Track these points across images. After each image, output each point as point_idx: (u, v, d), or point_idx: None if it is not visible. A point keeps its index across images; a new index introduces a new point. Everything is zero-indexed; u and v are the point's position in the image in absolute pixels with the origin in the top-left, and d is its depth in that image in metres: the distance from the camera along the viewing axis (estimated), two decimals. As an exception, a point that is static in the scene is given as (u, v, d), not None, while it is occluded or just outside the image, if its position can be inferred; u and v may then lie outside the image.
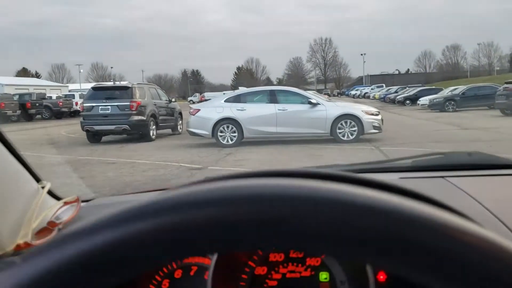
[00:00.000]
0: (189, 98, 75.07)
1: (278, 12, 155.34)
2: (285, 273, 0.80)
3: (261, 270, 0.80)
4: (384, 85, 61.85)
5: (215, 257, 0.72)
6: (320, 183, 0.34)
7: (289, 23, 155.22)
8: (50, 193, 0.91)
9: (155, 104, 13.98)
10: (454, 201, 0.84)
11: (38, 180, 0.88)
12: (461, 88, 26.13)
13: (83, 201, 0.99)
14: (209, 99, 17.21)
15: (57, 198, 0.93)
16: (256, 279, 0.79)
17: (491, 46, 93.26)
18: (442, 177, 1.10)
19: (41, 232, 0.79)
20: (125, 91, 13.18)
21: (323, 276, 0.79)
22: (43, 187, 0.87)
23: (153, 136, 13.35)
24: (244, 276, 0.79)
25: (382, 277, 0.75)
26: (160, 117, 14.11)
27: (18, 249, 0.74)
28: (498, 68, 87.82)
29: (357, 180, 0.43)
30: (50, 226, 0.81)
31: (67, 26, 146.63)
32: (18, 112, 27.39)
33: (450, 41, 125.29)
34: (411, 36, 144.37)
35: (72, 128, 18.44)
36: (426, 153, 1.29)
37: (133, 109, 12.83)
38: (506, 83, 20.06)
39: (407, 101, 33.75)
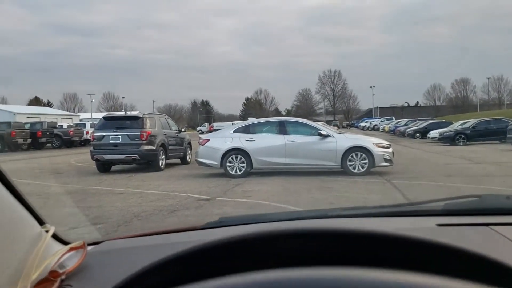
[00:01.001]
0: (198, 128, 75.64)
1: (286, 44, 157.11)
2: None
3: None
4: (393, 117, 61.88)
5: None
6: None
7: (297, 55, 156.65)
8: (54, 236, 0.84)
9: (165, 134, 14.03)
10: (506, 256, 0.76)
11: (41, 223, 0.81)
12: (471, 122, 26.04)
13: (89, 244, 0.91)
14: (218, 129, 17.23)
15: (62, 242, 0.86)
16: None
17: (501, 80, 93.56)
18: (486, 224, 1.01)
19: (43, 283, 0.71)
20: (136, 121, 13.26)
21: None
22: (46, 231, 0.80)
23: (162, 166, 13.34)
24: None
25: None
26: (170, 147, 14.13)
27: None
28: (508, 102, 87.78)
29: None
30: (52, 276, 0.74)
31: (80, 56, 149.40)
32: (29, 140, 27.68)
33: (459, 75, 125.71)
34: (420, 69, 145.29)
35: (81, 157, 18.52)
36: (460, 196, 1.21)
37: (143, 138, 12.87)
38: (518, 117, 19.99)
39: (417, 134, 33.61)
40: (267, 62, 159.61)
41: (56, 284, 0.73)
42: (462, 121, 28.12)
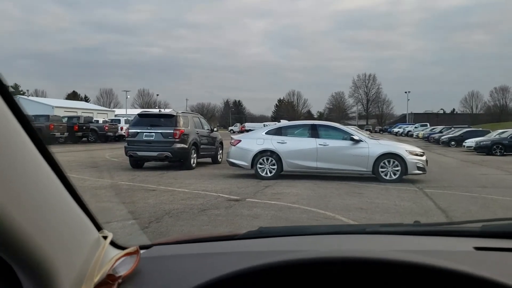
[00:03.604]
0: (230, 128, 76.09)
1: (319, 47, 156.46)
2: None
3: None
4: (428, 124, 60.57)
5: None
6: None
7: (330, 58, 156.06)
8: (111, 242, 0.90)
9: (197, 133, 14.19)
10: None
11: (99, 228, 0.87)
12: (510, 132, 25.22)
13: (141, 248, 0.97)
14: (250, 129, 17.32)
15: (116, 246, 0.91)
16: None
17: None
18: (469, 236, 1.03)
19: (101, 285, 0.77)
20: (169, 119, 13.48)
21: None
22: (104, 236, 0.86)
23: (194, 165, 13.51)
24: None
25: None
26: (202, 146, 14.29)
27: None
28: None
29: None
30: (110, 280, 0.79)
31: (116, 53, 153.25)
32: (66, 134, 28.48)
33: (498, 83, 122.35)
34: (457, 76, 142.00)
35: (115, 152, 18.96)
36: (498, 218, 1.19)
37: (176, 137, 13.07)
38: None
39: (452, 142, 32.82)
40: (299, 64, 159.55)
41: (114, 287, 0.78)
42: (500, 131, 27.30)
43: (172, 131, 13.12)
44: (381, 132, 72.09)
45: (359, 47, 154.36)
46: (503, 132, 25.96)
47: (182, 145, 13.15)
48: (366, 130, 51.10)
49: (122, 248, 0.92)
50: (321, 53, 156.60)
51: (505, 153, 23.08)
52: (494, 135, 26.76)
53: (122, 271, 0.83)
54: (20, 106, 0.61)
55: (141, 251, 0.93)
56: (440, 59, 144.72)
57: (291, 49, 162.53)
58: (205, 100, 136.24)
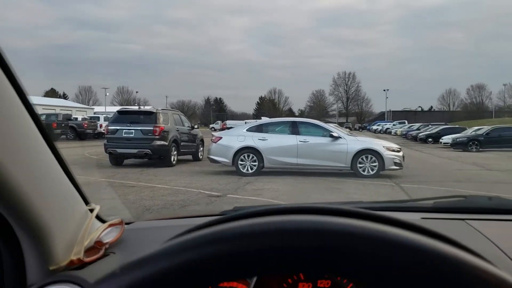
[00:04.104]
0: (211, 125, 75.91)
1: (300, 45, 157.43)
2: None
3: None
4: (406, 121, 61.51)
5: (252, 284, 0.76)
6: (358, 221, 0.39)
7: (310, 56, 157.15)
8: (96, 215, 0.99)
9: (177, 130, 14.18)
10: (472, 243, 0.88)
11: (86, 202, 0.95)
12: (485, 129, 25.83)
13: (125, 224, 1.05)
14: (231, 127, 17.37)
15: (101, 220, 1.00)
16: None
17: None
18: (463, 219, 1.13)
19: (90, 250, 0.86)
20: (149, 116, 13.43)
21: None
22: (91, 210, 0.94)
23: (174, 162, 13.50)
24: None
25: None
26: (182, 143, 14.28)
27: (70, 265, 0.81)
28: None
29: (384, 219, 0.48)
30: (98, 245, 0.89)
31: (95, 50, 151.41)
32: (44, 131, 28.00)
33: (475, 81, 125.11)
34: (434, 74, 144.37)
35: (95, 149, 18.78)
36: (448, 195, 1.33)
37: (156, 134, 13.04)
38: (532, 125, 19.81)
39: (429, 139, 33.42)
40: (280, 62, 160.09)
41: (102, 251, 0.88)
42: (476, 128, 27.91)
43: (152, 128, 13.09)
44: (361, 130, 72.87)
45: (339, 45, 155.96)
46: (479, 129, 26.54)
47: (162, 142, 13.12)
48: (346, 127, 51.57)
49: (106, 221, 1.00)
50: (302, 51, 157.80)
51: (480, 149, 23.61)
52: (470, 132, 27.32)
53: (108, 239, 0.92)
54: (24, 90, 0.71)
55: (126, 225, 1.03)
56: (417, 57, 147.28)
57: (272, 46, 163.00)
58: (186, 98, 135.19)
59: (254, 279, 0.76)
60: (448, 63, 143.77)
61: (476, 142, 24.20)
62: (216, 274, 0.42)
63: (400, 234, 0.39)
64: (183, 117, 15.96)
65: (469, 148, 23.81)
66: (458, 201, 1.32)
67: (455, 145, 25.05)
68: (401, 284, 0.37)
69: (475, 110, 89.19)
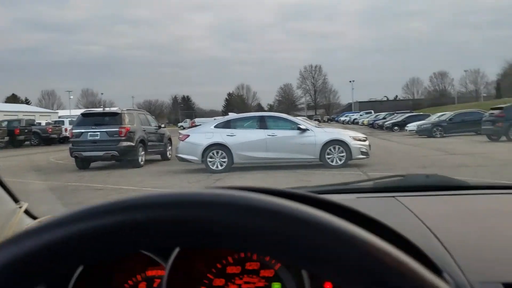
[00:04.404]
0: (180, 124, 75.26)
1: (265, 39, 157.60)
2: (240, 284, 0.85)
3: (219, 282, 0.84)
4: (372, 111, 62.64)
5: (168, 267, 0.75)
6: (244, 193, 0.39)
7: (276, 50, 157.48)
8: (28, 213, 0.94)
9: (144, 130, 14.01)
10: (397, 218, 0.98)
11: (16, 200, 0.92)
12: (448, 114, 26.54)
13: None
14: (200, 125, 17.29)
15: (34, 218, 0.96)
16: None
17: (478, 73, 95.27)
18: (394, 196, 1.17)
19: None
20: (114, 117, 13.21)
21: (276, 286, 0.83)
22: (20, 207, 0.91)
23: (142, 162, 13.32)
24: (203, 287, 0.83)
25: (328, 287, 0.79)
26: (149, 143, 14.12)
27: None
28: (485, 95, 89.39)
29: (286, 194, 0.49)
30: None
31: (56, 53, 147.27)
32: (6, 138, 27.21)
33: (437, 68, 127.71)
34: (398, 63, 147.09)
35: (60, 154, 18.33)
36: (388, 176, 1.37)
37: (122, 135, 12.83)
38: (492, 109, 20.46)
39: (395, 127, 34.13)
40: (247, 57, 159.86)
41: None
42: (439, 114, 28.64)
43: (118, 129, 12.88)
44: (329, 122, 73.75)
45: (305, 39, 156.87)
46: (442, 115, 27.24)
47: (129, 143, 12.92)
48: (315, 120, 52.09)
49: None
50: (268, 45, 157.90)
51: (444, 134, 24.26)
52: (434, 118, 28.00)
53: None
54: None
55: None
56: (381, 48, 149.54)
57: (238, 42, 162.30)
58: (153, 97, 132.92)
59: (169, 263, 0.75)
60: (411, 52, 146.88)
61: (440, 128, 24.84)
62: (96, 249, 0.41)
63: (284, 204, 0.39)
64: (149, 117, 15.80)
65: (434, 134, 24.42)
66: (396, 180, 1.36)
67: (420, 131, 25.69)
68: (284, 254, 0.38)
69: (438, 97, 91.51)
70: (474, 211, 1.11)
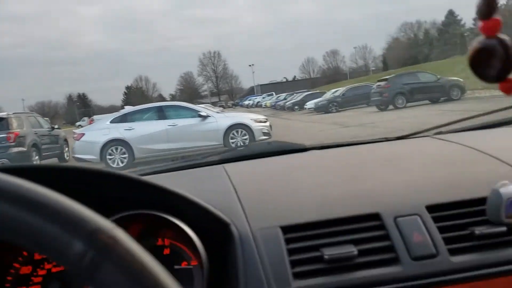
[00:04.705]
0: (77, 123, 71.29)
1: (159, 28, 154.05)
2: (50, 269, 0.86)
3: (26, 270, 0.85)
4: (274, 93, 64.11)
5: None
6: None
7: (172, 38, 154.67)
8: None
9: (36, 133, 13.12)
10: (209, 184, 1.07)
11: None
12: (341, 90, 27.99)
13: None
14: (97, 122, 16.51)
15: None
16: (21, 279, 0.84)
17: (366, 48, 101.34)
18: (220, 163, 1.26)
19: None
20: (0, 123, 12.18)
21: None
22: None
23: (37, 167, 12.46)
24: (9, 278, 0.83)
25: None
26: (43, 146, 13.26)
27: None
28: (373, 68, 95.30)
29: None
30: None
31: None
32: None
33: (329, 47, 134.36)
34: (293, 45, 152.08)
35: None
36: (232, 148, 1.43)
37: (11, 140, 11.90)
38: (379, 81, 21.96)
39: (296, 107, 35.29)
40: (142, 48, 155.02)
41: None
42: (333, 90, 30.08)
43: (6, 135, 11.90)
44: (234, 107, 74.24)
45: (201, 25, 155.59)
46: (335, 91, 28.61)
47: (20, 149, 12.02)
48: (220, 106, 52.09)
49: None
50: (163, 34, 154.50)
51: (340, 109, 25.62)
52: (328, 95, 29.33)
53: None
54: None
55: None
56: (276, 30, 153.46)
57: (132, 33, 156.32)
58: (46, 98, 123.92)
59: None
60: (303, 33, 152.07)
61: (335, 104, 26.20)
62: None
63: None
64: (41, 119, 14.82)
65: (330, 109, 25.69)
66: (242, 150, 1.47)
67: (318, 108, 26.90)
68: None
69: (332, 74, 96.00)
70: (283, 169, 1.20)
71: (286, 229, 0.83)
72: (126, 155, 10.87)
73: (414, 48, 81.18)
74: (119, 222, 0.74)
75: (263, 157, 1.32)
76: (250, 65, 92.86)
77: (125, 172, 0.83)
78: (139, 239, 0.85)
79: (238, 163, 1.28)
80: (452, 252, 0.81)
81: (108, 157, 10.79)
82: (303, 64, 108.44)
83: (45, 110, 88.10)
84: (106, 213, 0.77)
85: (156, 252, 0.88)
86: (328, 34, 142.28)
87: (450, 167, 1.08)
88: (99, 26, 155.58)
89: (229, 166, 1.21)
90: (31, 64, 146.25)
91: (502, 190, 0.80)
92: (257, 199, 0.96)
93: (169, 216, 0.82)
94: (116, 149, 10.85)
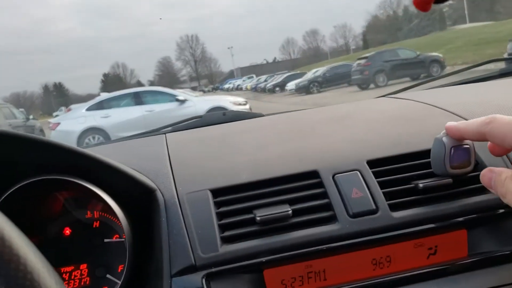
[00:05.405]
0: (55, 113, 70.13)
1: (134, 14, 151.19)
2: None
3: None
4: (254, 75, 63.78)
5: None
6: None
7: (148, 23, 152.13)
8: None
9: (10, 125, 12.75)
10: (146, 153, 1.05)
11: None
12: (321, 70, 27.85)
13: None
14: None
15: None
16: None
17: (345, 27, 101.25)
18: (163, 133, 1.23)
19: None
20: (-30, 116, 11.80)
21: None
22: None
23: (12, 160, 12.13)
24: None
25: None
26: (18, 138, 12.89)
27: None
28: (354, 47, 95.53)
29: None
30: None
31: None
32: None
33: (309, 27, 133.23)
34: (271, 26, 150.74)
35: None
36: (189, 118, 1.46)
37: (-17, 133, 11.52)
38: (359, 59, 21.84)
39: (277, 88, 35.10)
40: (117, 34, 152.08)
41: None
42: (314, 70, 29.95)
43: (-24, 128, 11.51)
44: (214, 91, 73.75)
45: (176, 9, 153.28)
46: (316, 71, 28.48)
47: (-7, 141, 11.65)
48: (200, 91, 51.61)
49: None
50: (138, 20, 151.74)
51: (321, 89, 25.52)
52: (309, 75, 29.19)
53: None
54: None
55: None
56: (253, 12, 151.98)
57: (106, 19, 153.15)
58: (20, 89, 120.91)
59: None
60: (282, 13, 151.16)
61: (316, 84, 26.07)
62: None
63: None
64: (15, 110, 14.46)
65: (311, 90, 25.57)
66: (194, 122, 1.41)
67: (299, 89, 26.74)
68: None
69: (313, 54, 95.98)
70: (224, 134, 1.15)
71: (216, 192, 0.81)
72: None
73: (394, 25, 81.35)
74: (34, 188, 0.74)
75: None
76: (228, 48, 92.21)
77: (50, 139, 0.77)
78: (65, 211, 0.86)
79: (183, 132, 1.25)
80: (394, 207, 0.78)
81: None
82: (283, 45, 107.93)
83: (21, 101, 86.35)
84: (17, 179, 0.73)
85: (85, 225, 0.86)
86: (307, 14, 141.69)
87: (399, 122, 1.03)
88: (72, 13, 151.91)
89: (171, 135, 1.18)
90: (3, 54, 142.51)
91: (445, 139, 0.75)
92: (190, 164, 0.93)
93: (89, 184, 0.76)
94: (94, 138, 10.59)
